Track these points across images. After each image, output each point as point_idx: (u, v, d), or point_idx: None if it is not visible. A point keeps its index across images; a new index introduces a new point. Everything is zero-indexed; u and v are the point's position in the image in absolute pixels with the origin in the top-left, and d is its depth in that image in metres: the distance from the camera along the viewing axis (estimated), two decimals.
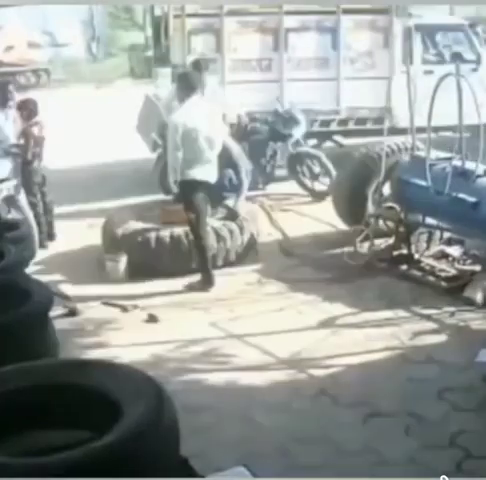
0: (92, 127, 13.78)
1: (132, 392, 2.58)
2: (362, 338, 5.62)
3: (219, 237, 7.10)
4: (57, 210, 8.39)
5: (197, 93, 6.71)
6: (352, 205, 7.84)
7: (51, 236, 8.10)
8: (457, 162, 6.56)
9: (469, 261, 6.90)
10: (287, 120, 9.76)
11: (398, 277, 6.84)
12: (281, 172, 9.97)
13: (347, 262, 7.16)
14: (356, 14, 10.85)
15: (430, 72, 9.94)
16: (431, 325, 5.87)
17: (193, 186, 6.61)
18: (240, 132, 9.62)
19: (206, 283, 6.71)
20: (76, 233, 8.20)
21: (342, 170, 8.34)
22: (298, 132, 9.83)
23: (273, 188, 9.93)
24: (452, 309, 6.07)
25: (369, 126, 10.83)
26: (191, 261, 6.89)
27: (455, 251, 7.07)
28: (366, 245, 7.29)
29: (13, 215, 7.29)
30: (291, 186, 9.82)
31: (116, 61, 25.99)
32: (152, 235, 7.02)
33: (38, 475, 2.21)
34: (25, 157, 7.70)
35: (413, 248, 7.11)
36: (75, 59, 25.18)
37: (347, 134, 11.28)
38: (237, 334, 5.77)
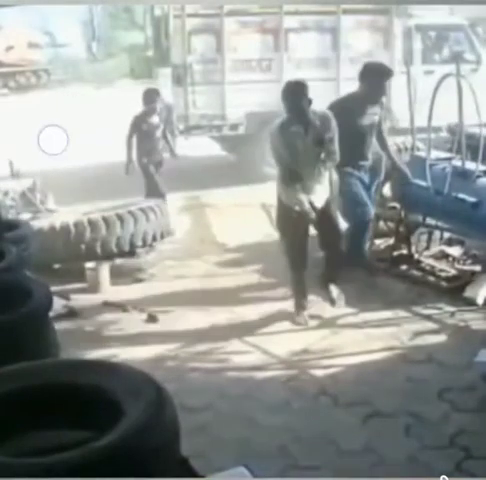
0: (92, 127, 13.78)
1: (132, 392, 2.57)
2: (362, 338, 5.62)
3: None
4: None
5: None
6: None
7: None
8: (457, 162, 6.56)
9: (469, 261, 6.90)
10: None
11: (398, 277, 6.84)
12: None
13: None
14: (356, 14, 10.86)
15: (430, 72, 9.95)
16: (431, 325, 5.87)
17: None
18: None
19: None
20: None
21: None
22: None
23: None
24: (452, 309, 6.07)
25: None
26: None
27: (455, 251, 7.07)
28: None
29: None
30: None
31: (116, 61, 25.99)
32: None
33: (38, 475, 2.20)
34: None
35: (413, 248, 7.11)
36: (75, 59, 25.23)
37: None
38: (237, 334, 5.77)
